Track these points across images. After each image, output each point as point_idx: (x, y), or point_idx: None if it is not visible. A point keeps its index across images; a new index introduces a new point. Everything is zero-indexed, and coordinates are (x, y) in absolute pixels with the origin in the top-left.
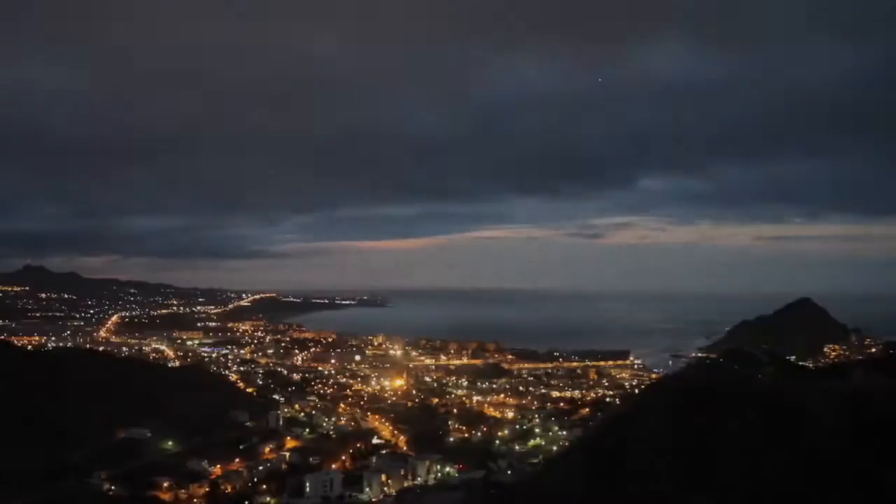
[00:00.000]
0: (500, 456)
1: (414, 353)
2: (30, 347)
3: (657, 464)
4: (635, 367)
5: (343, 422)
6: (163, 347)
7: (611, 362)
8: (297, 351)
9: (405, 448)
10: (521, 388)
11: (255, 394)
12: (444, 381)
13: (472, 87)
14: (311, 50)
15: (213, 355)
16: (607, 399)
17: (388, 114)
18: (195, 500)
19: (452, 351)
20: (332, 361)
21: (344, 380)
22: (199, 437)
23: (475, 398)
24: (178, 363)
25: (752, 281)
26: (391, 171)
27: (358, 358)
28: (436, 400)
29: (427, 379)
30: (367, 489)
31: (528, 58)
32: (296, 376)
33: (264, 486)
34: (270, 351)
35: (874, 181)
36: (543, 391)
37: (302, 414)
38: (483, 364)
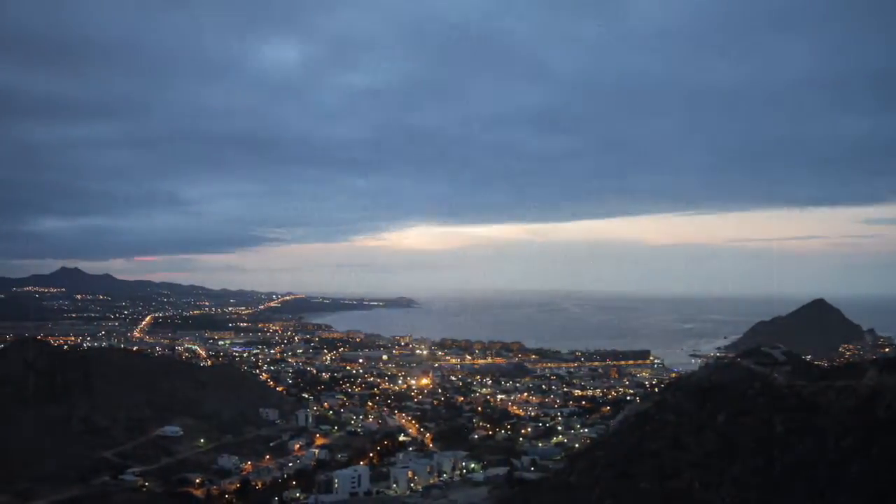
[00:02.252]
0: (524, 453)
1: (440, 353)
2: (66, 347)
3: (677, 460)
4: (655, 366)
5: (371, 419)
6: (195, 347)
7: (631, 362)
8: (325, 350)
9: (431, 445)
10: (543, 386)
11: (285, 392)
12: (469, 380)
13: None
14: None
15: (244, 355)
16: (628, 397)
17: None
18: (226, 496)
19: (477, 351)
20: (360, 361)
21: (371, 378)
22: (231, 435)
23: (499, 397)
24: (209, 362)
25: None
26: None
27: (385, 357)
28: (461, 398)
29: (452, 378)
30: (394, 485)
31: None
32: (325, 375)
33: (294, 483)
34: (300, 350)
35: None
36: (566, 390)
37: (331, 412)
38: (507, 363)
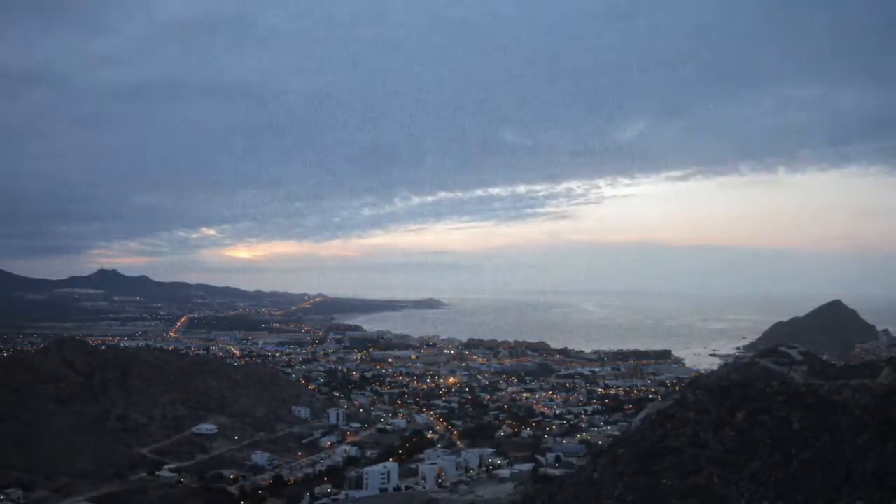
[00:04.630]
0: (549, 450)
1: (467, 353)
2: (104, 347)
3: (697, 457)
4: (676, 365)
5: (400, 417)
6: (230, 347)
7: (653, 361)
8: (356, 350)
9: (458, 442)
10: (568, 385)
11: (316, 391)
12: (496, 380)
13: None
14: None
15: (277, 354)
16: (649, 396)
17: None
18: (259, 491)
19: (503, 351)
20: (390, 360)
21: (400, 378)
22: (264, 433)
23: (525, 395)
24: (243, 362)
25: None
26: None
27: (414, 357)
28: (487, 397)
29: (479, 377)
30: (423, 481)
31: None
32: (355, 374)
33: (325, 479)
34: (331, 350)
35: None
36: (589, 388)
37: (361, 410)
38: (532, 363)
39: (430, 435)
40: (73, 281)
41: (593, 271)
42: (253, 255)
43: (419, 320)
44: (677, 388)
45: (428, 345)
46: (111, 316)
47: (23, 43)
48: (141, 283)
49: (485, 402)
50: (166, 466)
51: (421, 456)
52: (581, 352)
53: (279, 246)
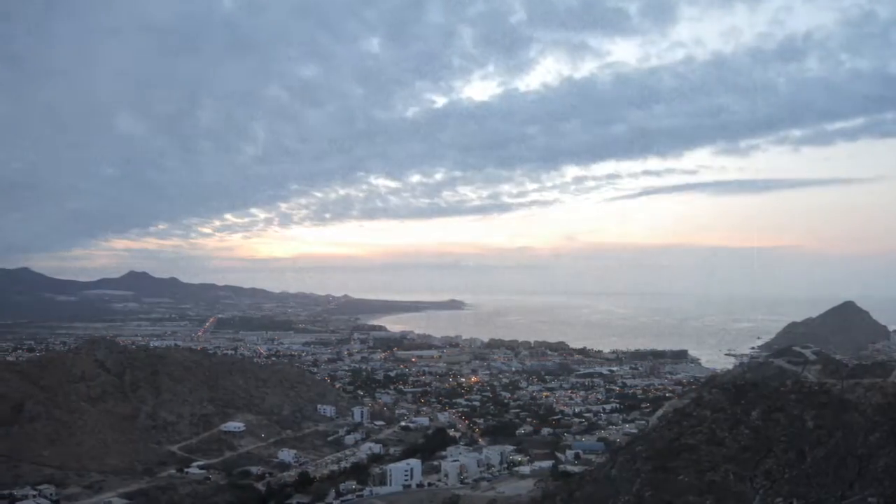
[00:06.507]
0: (568, 447)
1: (488, 353)
2: (134, 347)
3: (713, 454)
4: (693, 364)
5: (423, 415)
6: (257, 346)
7: (670, 361)
8: (380, 350)
9: (480, 440)
10: (587, 384)
11: (341, 390)
12: (516, 379)
13: None
14: None
15: (303, 354)
16: (667, 394)
17: None
18: (286, 488)
19: (524, 351)
20: (413, 360)
21: (423, 377)
22: (290, 430)
23: (545, 394)
24: (270, 361)
25: None
26: None
27: (436, 356)
28: (508, 395)
29: (500, 376)
30: (445, 477)
31: None
32: (379, 373)
33: (350, 475)
34: (356, 350)
35: None
36: (608, 387)
37: (385, 408)
38: (552, 362)
39: (452, 433)
40: (104, 282)
41: (609, 273)
42: (280, 255)
43: (442, 321)
44: (694, 387)
45: (450, 345)
46: (141, 316)
47: None
48: (170, 285)
49: (506, 401)
50: (195, 463)
51: (443, 453)
52: (600, 351)
53: (302, 244)
